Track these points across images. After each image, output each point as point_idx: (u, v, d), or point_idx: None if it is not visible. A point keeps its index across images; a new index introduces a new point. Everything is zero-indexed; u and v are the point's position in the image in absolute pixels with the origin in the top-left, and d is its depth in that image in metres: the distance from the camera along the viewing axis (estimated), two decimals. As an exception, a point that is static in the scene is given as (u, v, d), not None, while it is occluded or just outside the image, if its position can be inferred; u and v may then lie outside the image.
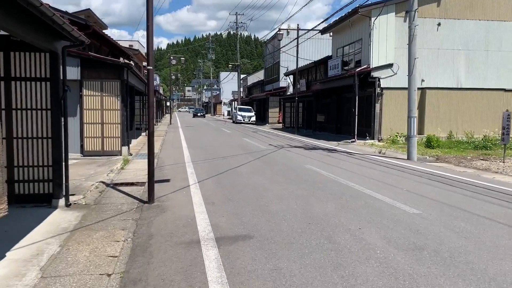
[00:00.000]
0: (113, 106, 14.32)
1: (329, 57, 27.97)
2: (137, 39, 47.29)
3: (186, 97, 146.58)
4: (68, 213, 6.45)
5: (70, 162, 12.89)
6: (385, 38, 22.13)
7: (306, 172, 10.63)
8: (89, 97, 14.17)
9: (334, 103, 26.74)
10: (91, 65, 14.03)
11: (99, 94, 14.21)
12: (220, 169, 11.00)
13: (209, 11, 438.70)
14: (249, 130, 30.29)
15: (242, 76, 55.49)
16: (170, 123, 39.45)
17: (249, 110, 43.84)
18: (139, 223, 6.01)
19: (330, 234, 5.34)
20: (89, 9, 26.04)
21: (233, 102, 64.03)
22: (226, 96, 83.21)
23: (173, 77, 52.80)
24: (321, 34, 28.54)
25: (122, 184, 9.08)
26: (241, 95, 51.89)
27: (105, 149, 14.36)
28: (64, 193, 6.83)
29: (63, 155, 6.82)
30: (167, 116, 50.51)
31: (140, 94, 24.47)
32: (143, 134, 23.69)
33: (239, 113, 42.80)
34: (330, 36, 33.69)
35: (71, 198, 7.22)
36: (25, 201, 6.74)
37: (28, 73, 6.61)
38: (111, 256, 4.66)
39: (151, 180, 7.27)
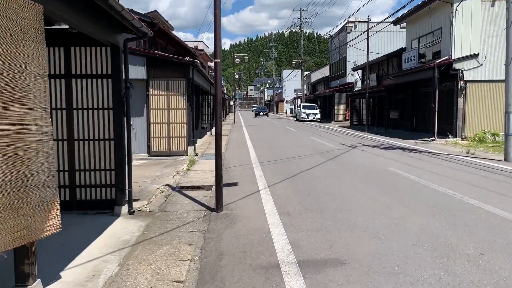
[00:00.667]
0: (179, 105, 13.94)
1: (402, 50, 25.95)
2: (201, 40, 47.69)
3: (248, 96, 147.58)
4: (130, 223, 5.87)
5: (137, 162, 12.68)
6: (469, 26, 19.88)
7: (390, 176, 9.37)
8: (156, 96, 13.91)
9: (409, 98, 24.73)
10: (157, 64, 13.74)
11: (165, 93, 13.90)
12: (291, 171, 10.07)
13: (271, 10, 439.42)
14: (315, 128, 29.08)
15: (305, 73, 54.24)
16: (234, 122, 39.25)
17: (313, 108, 42.50)
18: (207, 236, 5.25)
19: (445, 261, 4.19)
20: (155, 11, 26.36)
21: (296, 100, 62.84)
22: (288, 94, 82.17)
23: (236, 76, 52.80)
24: (394, 25, 26.58)
25: (188, 187, 8.46)
26: (305, 92, 50.62)
27: (171, 149, 14.03)
28: (127, 200, 6.27)
29: (126, 157, 6.25)
30: (231, 115, 50.62)
31: (205, 93, 24.26)
32: (208, 133, 23.43)
33: (303, 110, 41.59)
34: (400, 28, 31.49)
35: (135, 204, 6.67)
36: (87, 207, 6.27)
37: (88, 70, 6.12)
38: (176, 281, 3.90)
39: (219, 186, 6.51)
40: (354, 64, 38.17)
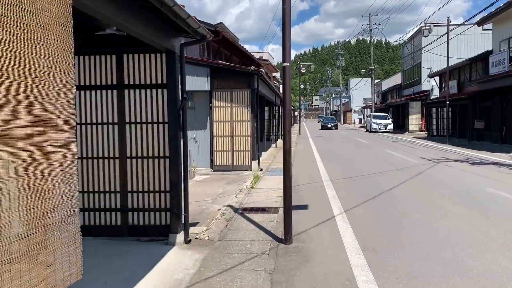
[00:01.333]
0: (243, 117, 13.21)
1: (488, 52, 23.35)
2: (266, 51, 47.43)
3: (313, 106, 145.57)
4: (186, 255, 5.04)
5: (199, 178, 12.08)
6: None
7: (495, 201, 7.75)
8: (219, 108, 13.30)
9: (497, 106, 22.08)
10: (221, 74, 13.16)
11: (228, 105, 13.25)
12: (368, 191, 8.80)
13: (337, 20, 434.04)
14: (388, 139, 27.09)
15: (375, 81, 51.74)
16: (299, 133, 38.13)
17: (385, 118, 40.12)
18: (274, 279, 4.25)
19: None
20: (221, 22, 26.24)
21: (365, 110, 60.28)
22: (356, 103, 79.40)
23: (302, 86, 51.71)
24: (478, 26, 24.05)
25: (252, 209, 7.54)
26: (375, 101, 48.21)
27: (235, 163, 13.30)
28: (183, 226, 5.47)
29: (182, 178, 5.47)
30: (296, 126, 49.47)
31: (270, 104, 23.50)
32: (273, 146, 22.58)
33: (374, 120, 39.37)
34: (483, 30, 28.61)
35: (193, 230, 5.87)
36: (140, 233, 5.57)
37: (142, 79, 5.45)
38: None
39: (288, 213, 5.50)
40: (430, 71, 35.47)
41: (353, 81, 79.69)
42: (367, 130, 41.96)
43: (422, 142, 24.72)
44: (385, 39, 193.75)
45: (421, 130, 37.00)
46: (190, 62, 13.01)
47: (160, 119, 5.45)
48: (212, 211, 7.44)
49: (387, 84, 57.03)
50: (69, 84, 2.84)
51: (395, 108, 44.28)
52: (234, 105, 13.21)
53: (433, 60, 36.28)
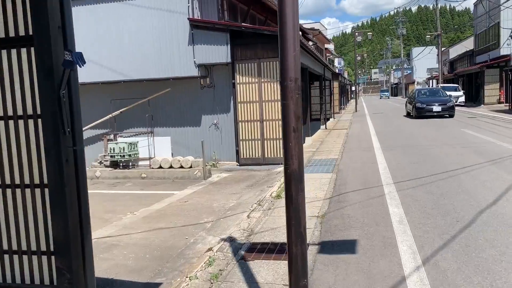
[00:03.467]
0: (275, 95, 10.18)
1: None
2: (318, 21, 43.22)
3: (372, 80, 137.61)
4: None
5: (216, 177, 9.27)
6: None
7: None
8: (244, 85, 10.37)
9: None
10: (244, 41, 10.18)
11: (256, 80, 10.26)
12: (456, 207, 5.53)
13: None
14: (463, 115, 22.66)
15: (441, 49, 45.82)
16: (356, 110, 34.17)
17: (455, 89, 34.88)
18: None
19: None
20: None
21: (431, 81, 54.28)
22: (419, 74, 72.68)
23: (358, 58, 47.11)
24: None
25: (263, 249, 4.59)
26: (442, 71, 42.63)
27: (266, 155, 10.38)
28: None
29: (80, 228, 2.64)
30: (352, 102, 45.27)
31: (318, 79, 20.13)
32: (322, 127, 19.28)
33: (442, 93, 34.39)
34: None
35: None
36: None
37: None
38: None
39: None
40: (512, 31, 29.86)
41: (416, 51, 72.83)
42: (434, 104, 36.95)
43: (507, 117, 20.15)
44: (450, 5, 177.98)
45: (499, 102, 31.61)
46: (203, 27, 10.13)
47: (30, 111, 2.61)
48: (199, 251, 4.62)
49: (455, 51, 50.55)
50: None
51: (467, 78, 38.62)
52: (263, 80, 10.20)
53: (516, 18, 30.59)
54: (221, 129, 10.76)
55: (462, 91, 34.76)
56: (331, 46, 51.23)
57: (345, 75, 61.70)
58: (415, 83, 74.27)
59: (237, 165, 10.56)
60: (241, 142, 10.49)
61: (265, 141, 10.34)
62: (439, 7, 44.41)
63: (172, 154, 11.19)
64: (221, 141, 10.79)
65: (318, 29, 33.67)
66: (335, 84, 30.55)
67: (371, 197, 6.37)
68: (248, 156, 10.48)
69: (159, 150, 11.23)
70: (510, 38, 29.30)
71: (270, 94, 10.19)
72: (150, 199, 7.45)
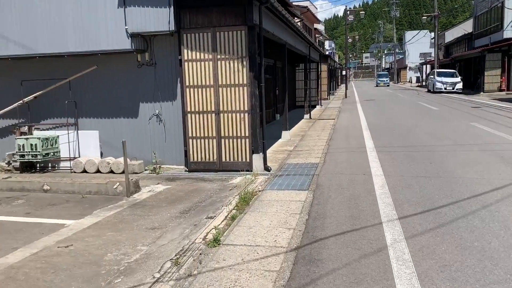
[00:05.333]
0: (236, 78, 7.51)
1: None
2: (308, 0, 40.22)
3: (363, 65, 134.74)
4: None
5: (147, 193, 5.78)
6: None
7: None
8: (194, 63, 7.64)
9: None
10: (195, 2, 7.44)
11: (210, 56, 7.56)
12: (496, 273, 3.01)
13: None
14: (465, 104, 20.21)
15: (434, 34, 43.08)
16: (346, 96, 31.58)
17: (452, 75, 32.42)
18: None
19: None
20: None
21: (424, 66, 51.78)
22: (412, 59, 69.99)
23: (350, 40, 44.23)
24: None
25: None
26: (437, 55, 40.06)
27: (224, 158, 7.74)
28: None
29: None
30: (342, 87, 42.48)
31: (302, 60, 17.43)
32: (306, 116, 16.63)
33: (438, 78, 31.84)
34: None
35: None
36: None
37: None
38: None
39: None
40: (517, 12, 27.35)
41: (409, 35, 70.09)
42: (429, 91, 34.52)
43: (516, 107, 17.71)
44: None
45: (500, 90, 29.25)
46: (134, -19, 7.34)
47: None
48: None
49: (451, 35, 47.94)
50: None
51: (465, 63, 36.13)
52: (220, 56, 7.49)
53: (522, -3, 28.03)
54: (165, 122, 8.05)
55: (460, 77, 32.30)
56: (321, 27, 48.14)
57: (336, 58, 58.85)
58: (407, 68, 71.80)
59: (186, 170, 7.91)
60: (190, 141, 7.81)
61: (223, 140, 7.68)
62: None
63: (101, 153, 8.50)
64: (165, 138, 8.10)
65: (307, 6, 30.70)
66: (324, 68, 27.81)
67: (365, 254, 3.77)
68: (200, 159, 7.82)
69: (85, 148, 8.53)
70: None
71: (230, 76, 7.50)
72: (21, 235, 4.81)
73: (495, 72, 29.80)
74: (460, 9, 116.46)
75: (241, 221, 4.82)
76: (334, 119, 15.67)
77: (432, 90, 32.89)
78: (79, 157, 8.51)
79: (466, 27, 42.28)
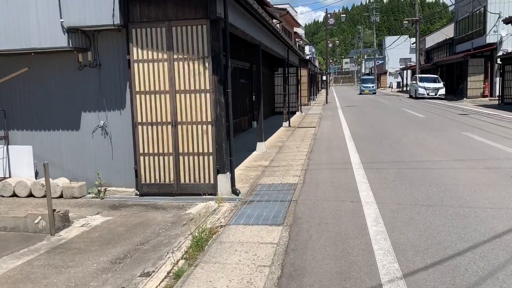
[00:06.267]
0: (196, 82, 6.20)
1: None
2: (287, 3, 39.31)
3: (343, 70, 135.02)
4: None
5: (92, 221, 5.02)
6: None
7: None
8: (146, 64, 6.29)
9: None
10: (144, -11, 6.11)
11: (165, 56, 6.22)
12: None
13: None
14: (451, 111, 19.33)
15: (415, 39, 42.67)
16: (326, 102, 30.56)
17: (434, 80, 31.76)
18: None
19: None
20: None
21: (405, 72, 51.42)
22: (392, 65, 69.93)
23: (330, 45, 43.41)
24: None
25: None
26: (419, 60, 39.51)
27: (182, 179, 6.40)
28: None
29: None
30: (323, 92, 41.46)
31: (280, 64, 16.21)
32: (286, 124, 15.39)
33: (421, 84, 31.11)
34: None
35: None
36: None
37: None
38: None
39: None
40: (499, 17, 26.89)
41: (389, 40, 70.18)
42: (410, 96, 33.83)
43: (504, 114, 16.86)
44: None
45: (484, 96, 28.71)
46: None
47: None
48: None
49: (432, 40, 47.69)
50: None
51: (447, 68, 35.63)
52: (177, 56, 6.16)
53: (503, 1, 27.62)
54: (112, 135, 6.66)
55: (442, 83, 31.70)
56: (301, 31, 47.26)
57: (316, 63, 58.03)
58: (387, 73, 71.69)
59: (137, 194, 6.53)
60: (141, 158, 6.44)
61: (181, 157, 6.34)
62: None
63: (36, 173, 7.04)
64: (112, 155, 6.70)
65: (286, 9, 29.59)
66: (304, 72, 26.71)
67: None
68: (153, 181, 6.45)
69: (17, 167, 7.07)
70: (504, 22, 26.18)
71: (190, 80, 6.18)
72: None
73: (478, 77, 29.27)
74: (437, 15, 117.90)
75: (188, 283, 3.48)
76: (315, 127, 14.47)
77: (414, 96, 32.19)
78: (9, 177, 7.05)
79: (447, 32, 42.00)
